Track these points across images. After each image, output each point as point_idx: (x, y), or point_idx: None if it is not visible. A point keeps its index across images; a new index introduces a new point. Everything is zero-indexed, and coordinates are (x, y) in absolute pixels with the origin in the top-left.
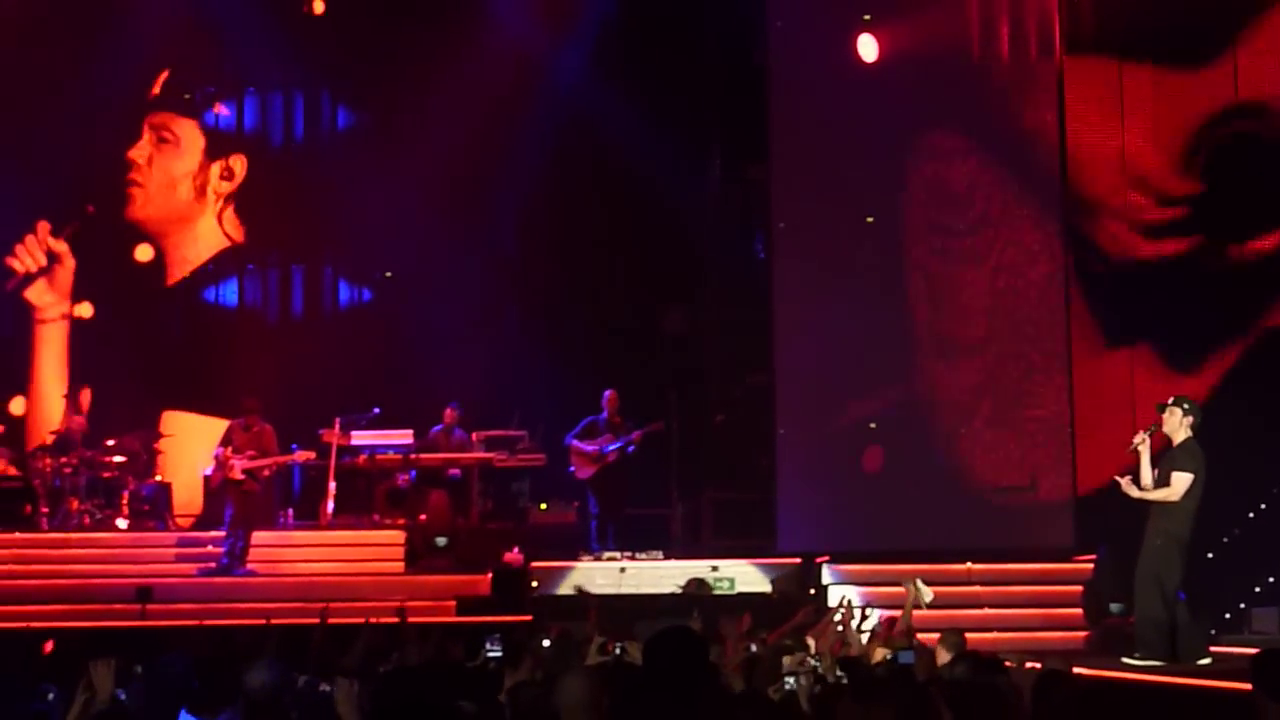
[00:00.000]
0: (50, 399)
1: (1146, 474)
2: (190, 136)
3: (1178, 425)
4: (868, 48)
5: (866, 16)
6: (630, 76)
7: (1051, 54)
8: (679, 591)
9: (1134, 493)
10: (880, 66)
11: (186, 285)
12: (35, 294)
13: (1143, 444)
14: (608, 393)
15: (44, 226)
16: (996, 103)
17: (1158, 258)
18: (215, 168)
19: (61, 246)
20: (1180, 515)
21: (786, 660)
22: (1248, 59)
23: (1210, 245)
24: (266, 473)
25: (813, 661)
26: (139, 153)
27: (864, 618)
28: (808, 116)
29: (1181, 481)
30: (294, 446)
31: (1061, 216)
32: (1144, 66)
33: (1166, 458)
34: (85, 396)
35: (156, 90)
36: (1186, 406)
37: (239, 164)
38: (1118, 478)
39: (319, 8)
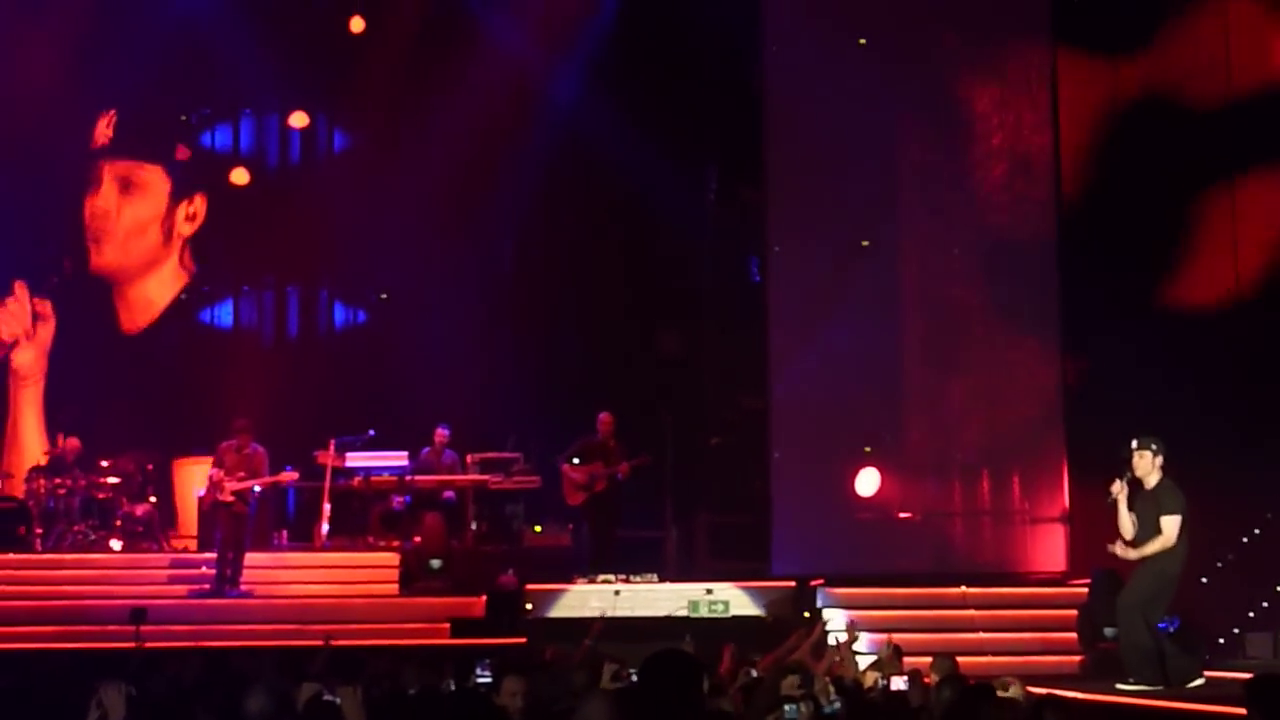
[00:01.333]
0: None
1: (1127, 523)
2: (155, 181)
3: (1150, 468)
4: (863, 74)
5: (861, 41)
6: (626, 99)
7: (1046, 71)
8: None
9: (1132, 555)
10: (875, 90)
11: (181, 308)
12: (20, 356)
13: (1121, 493)
14: (602, 415)
15: (22, 287)
16: (992, 123)
17: None
18: (180, 210)
19: (44, 306)
20: (1174, 555)
21: (783, 684)
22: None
23: None
24: (257, 493)
25: (803, 688)
26: (103, 202)
27: (853, 640)
28: (803, 140)
29: (1172, 525)
30: (287, 468)
31: (1057, 235)
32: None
33: (1147, 502)
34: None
35: (105, 137)
36: (1154, 447)
37: (201, 204)
38: (1110, 546)
39: (357, 26)
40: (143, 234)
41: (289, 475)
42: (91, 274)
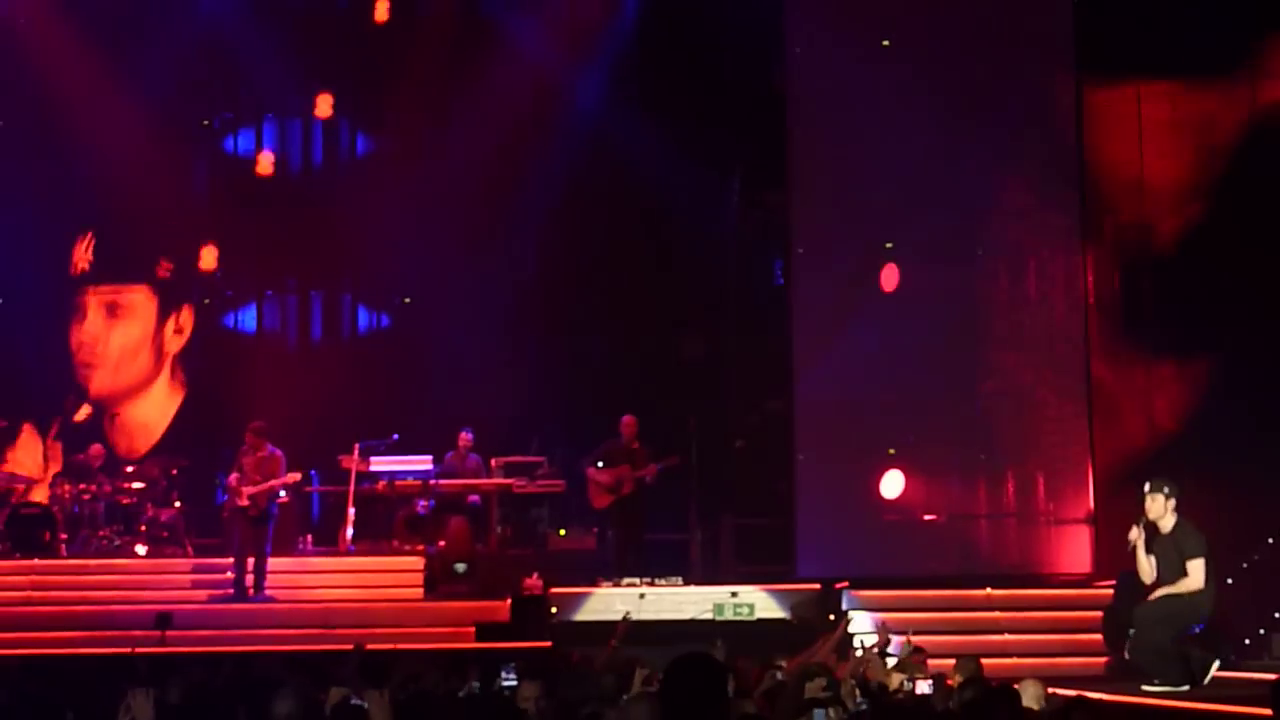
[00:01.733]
0: None
1: (1145, 567)
2: (141, 302)
3: (1163, 510)
4: (886, 74)
5: (885, 42)
6: (649, 101)
7: (1070, 74)
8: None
9: (1161, 593)
10: (899, 92)
11: (209, 311)
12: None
13: (1139, 539)
14: (625, 418)
15: (30, 429)
16: (1015, 126)
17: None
18: (168, 326)
19: (54, 449)
20: (1205, 594)
21: (808, 686)
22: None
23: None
24: (284, 498)
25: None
26: (91, 329)
27: (887, 642)
28: (827, 142)
29: (1198, 569)
30: (313, 474)
31: (1081, 237)
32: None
33: (1166, 544)
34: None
35: (85, 261)
36: (1167, 490)
37: (188, 316)
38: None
39: (381, 14)
40: (134, 357)
41: (292, 477)
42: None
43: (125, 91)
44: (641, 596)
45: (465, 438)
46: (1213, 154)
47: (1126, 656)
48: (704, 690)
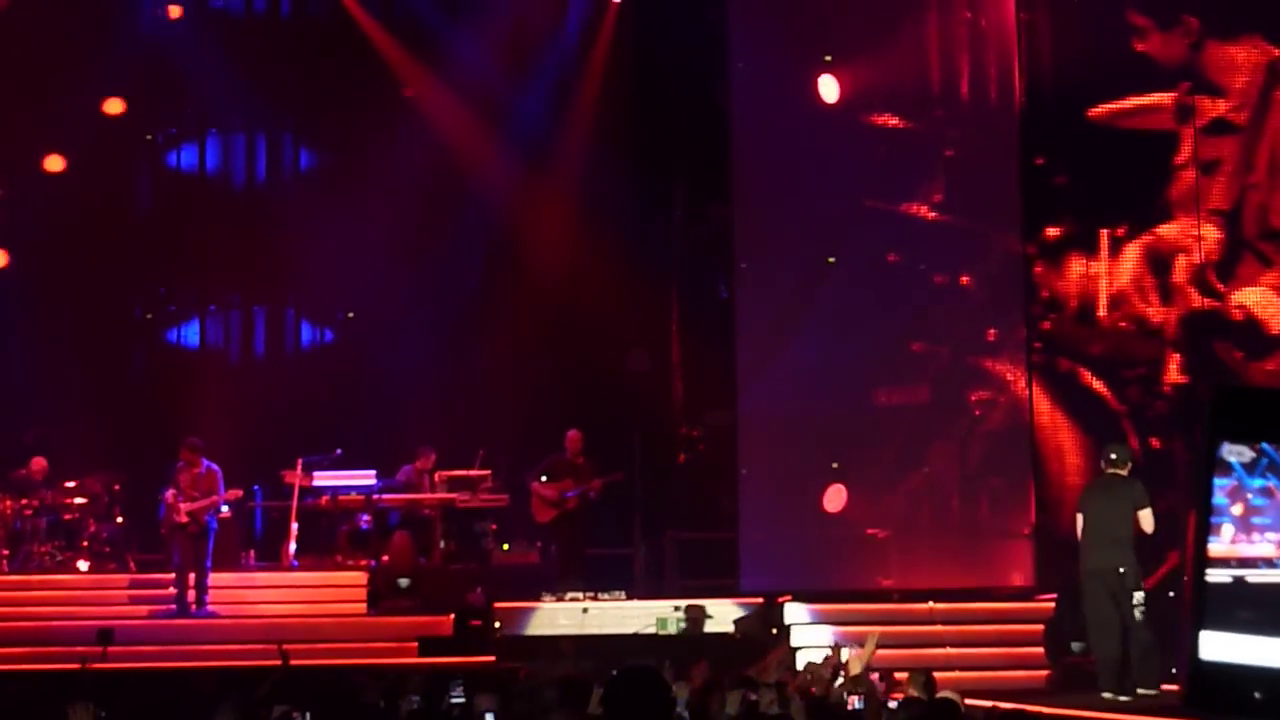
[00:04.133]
0: None
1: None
2: None
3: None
4: (829, 88)
5: (828, 57)
6: (592, 115)
7: (1015, 83)
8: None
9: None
10: (841, 107)
11: (149, 325)
12: None
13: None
14: (570, 433)
15: None
16: (959, 139)
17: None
18: None
19: None
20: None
21: (729, 696)
22: None
23: None
24: (226, 513)
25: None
26: None
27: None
28: (770, 156)
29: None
30: (255, 489)
31: (1022, 255)
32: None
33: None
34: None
35: None
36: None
37: None
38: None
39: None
40: None
41: (232, 494)
42: None
43: (68, 105)
44: (585, 611)
45: (432, 456)
46: None
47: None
48: (647, 704)
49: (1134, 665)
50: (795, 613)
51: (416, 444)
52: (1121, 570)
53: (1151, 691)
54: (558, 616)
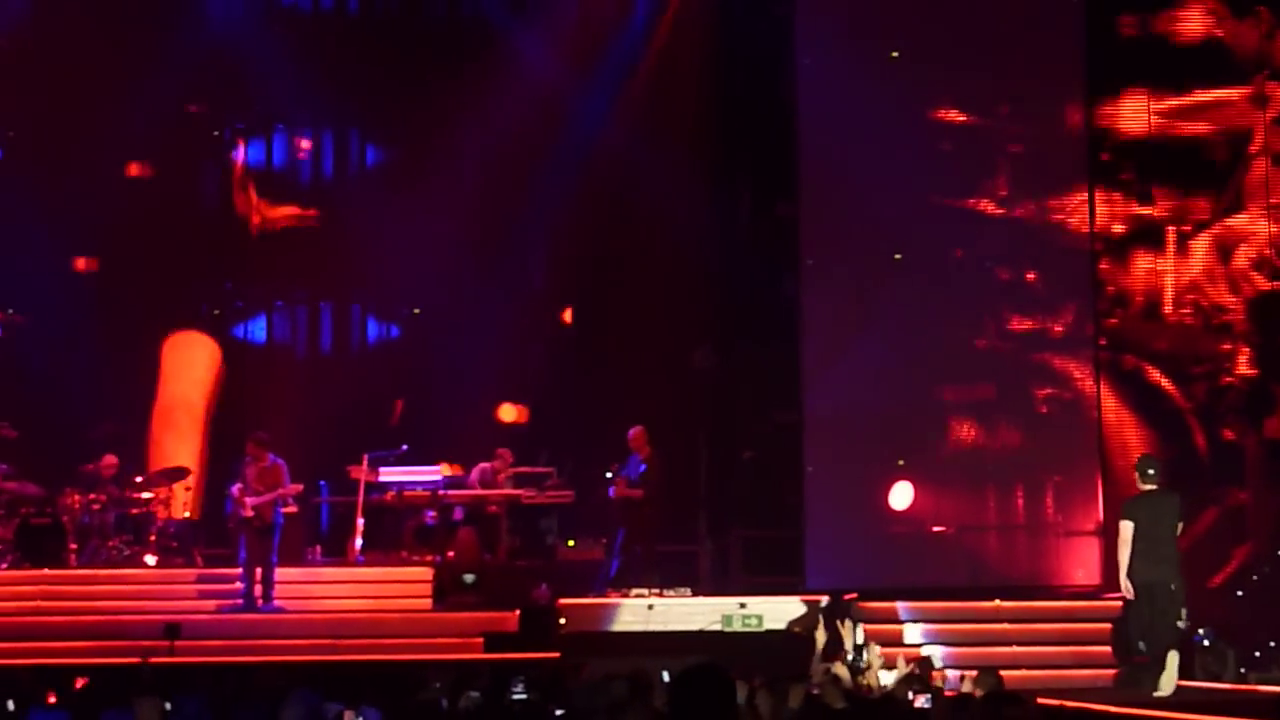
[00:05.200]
0: None
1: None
2: None
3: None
4: (896, 85)
5: (894, 54)
6: (659, 113)
7: (1080, 86)
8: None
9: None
10: (909, 103)
11: (217, 321)
12: None
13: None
14: (632, 430)
15: None
16: (1025, 136)
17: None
18: None
19: None
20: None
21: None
22: None
23: None
24: (291, 508)
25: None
26: None
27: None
28: (836, 153)
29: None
30: (322, 484)
31: (1088, 250)
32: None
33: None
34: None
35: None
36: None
37: None
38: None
39: None
40: None
41: (294, 487)
42: None
43: (136, 102)
44: (650, 608)
45: (508, 455)
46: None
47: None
48: (711, 702)
49: (1159, 670)
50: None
51: (481, 440)
52: (1173, 586)
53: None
54: (623, 613)
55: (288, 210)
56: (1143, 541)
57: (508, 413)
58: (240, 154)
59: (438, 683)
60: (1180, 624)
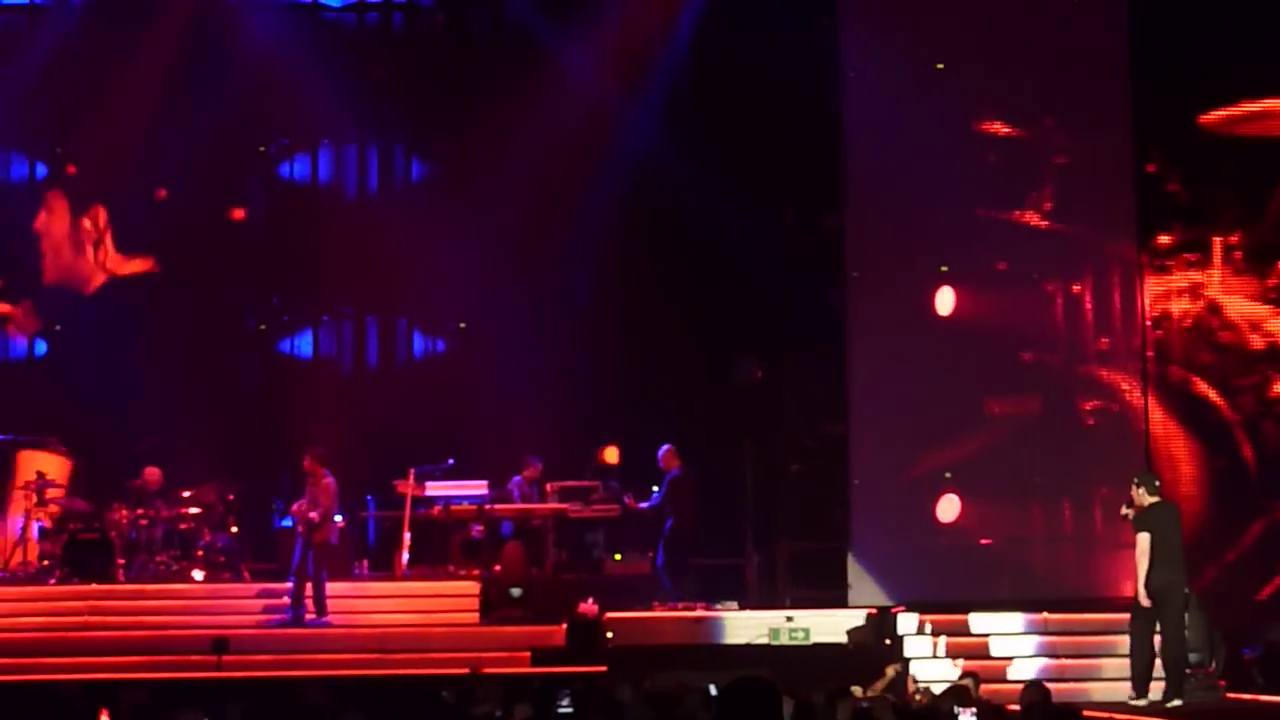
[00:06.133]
0: None
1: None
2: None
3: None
4: (942, 97)
5: (940, 66)
6: (703, 125)
7: (1126, 94)
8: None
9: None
10: (955, 115)
11: (262, 336)
12: None
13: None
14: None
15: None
16: (1071, 147)
17: None
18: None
19: None
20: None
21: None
22: None
23: None
24: (340, 523)
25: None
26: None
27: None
28: (881, 165)
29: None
30: (368, 499)
31: (1137, 260)
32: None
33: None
34: (153, 473)
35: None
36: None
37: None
38: None
39: None
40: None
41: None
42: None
43: (182, 117)
44: (698, 621)
45: (538, 466)
46: None
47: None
48: (758, 715)
49: (1172, 674)
50: (908, 623)
51: (527, 454)
52: (1186, 591)
53: (1180, 702)
54: (669, 626)
55: (333, 224)
56: (1160, 550)
57: (611, 455)
58: (285, 169)
59: (444, 691)
60: (1186, 630)
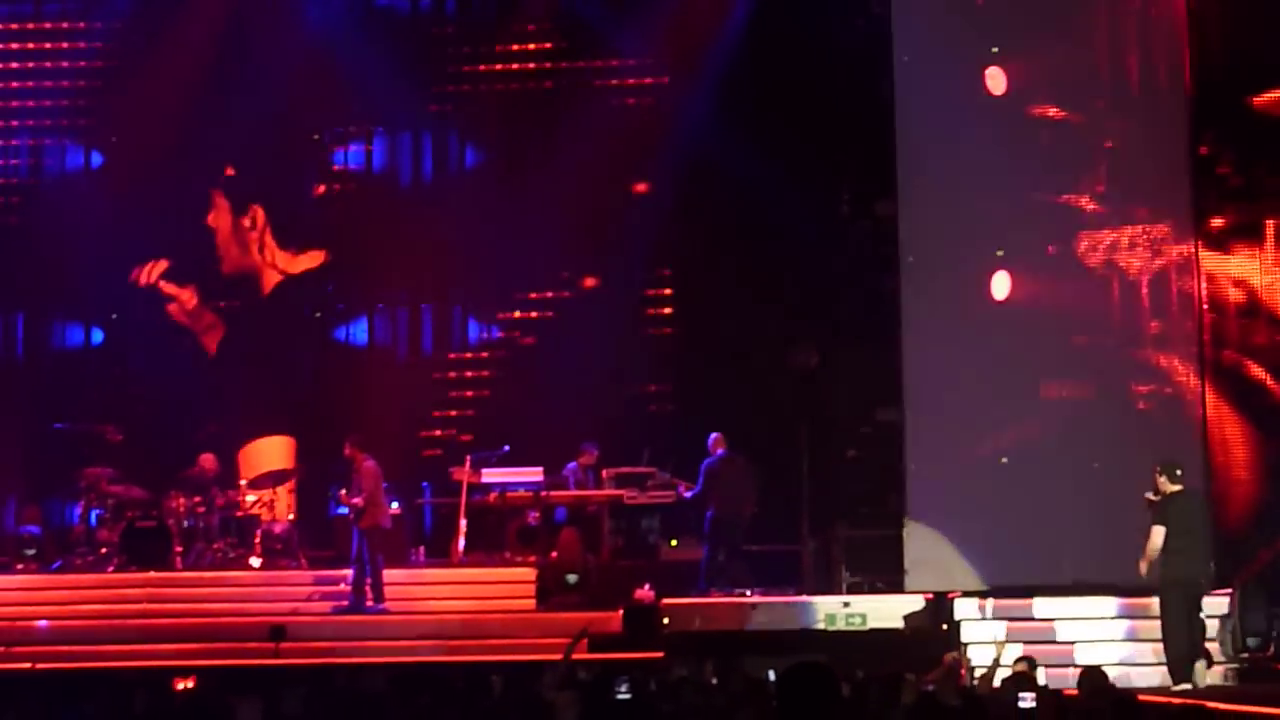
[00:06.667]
0: None
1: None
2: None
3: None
4: (996, 81)
5: (994, 49)
6: (757, 113)
7: (1184, 73)
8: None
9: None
10: (1008, 99)
11: (318, 323)
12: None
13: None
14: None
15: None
16: (1128, 131)
17: None
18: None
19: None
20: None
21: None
22: None
23: None
24: (395, 510)
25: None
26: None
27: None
28: (936, 150)
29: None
30: (424, 485)
31: (1193, 243)
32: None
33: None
34: (208, 460)
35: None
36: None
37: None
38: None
39: None
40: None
41: (357, 501)
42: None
43: (235, 106)
44: (754, 608)
45: (594, 452)
46: None
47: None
48: (817, 700)
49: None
50: (964, 609)
51: (583, 440)
52: (1202, 580)
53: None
54: (725, 613)
55: (387, 212)
56: (1178, 540)
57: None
58: (339, 156)
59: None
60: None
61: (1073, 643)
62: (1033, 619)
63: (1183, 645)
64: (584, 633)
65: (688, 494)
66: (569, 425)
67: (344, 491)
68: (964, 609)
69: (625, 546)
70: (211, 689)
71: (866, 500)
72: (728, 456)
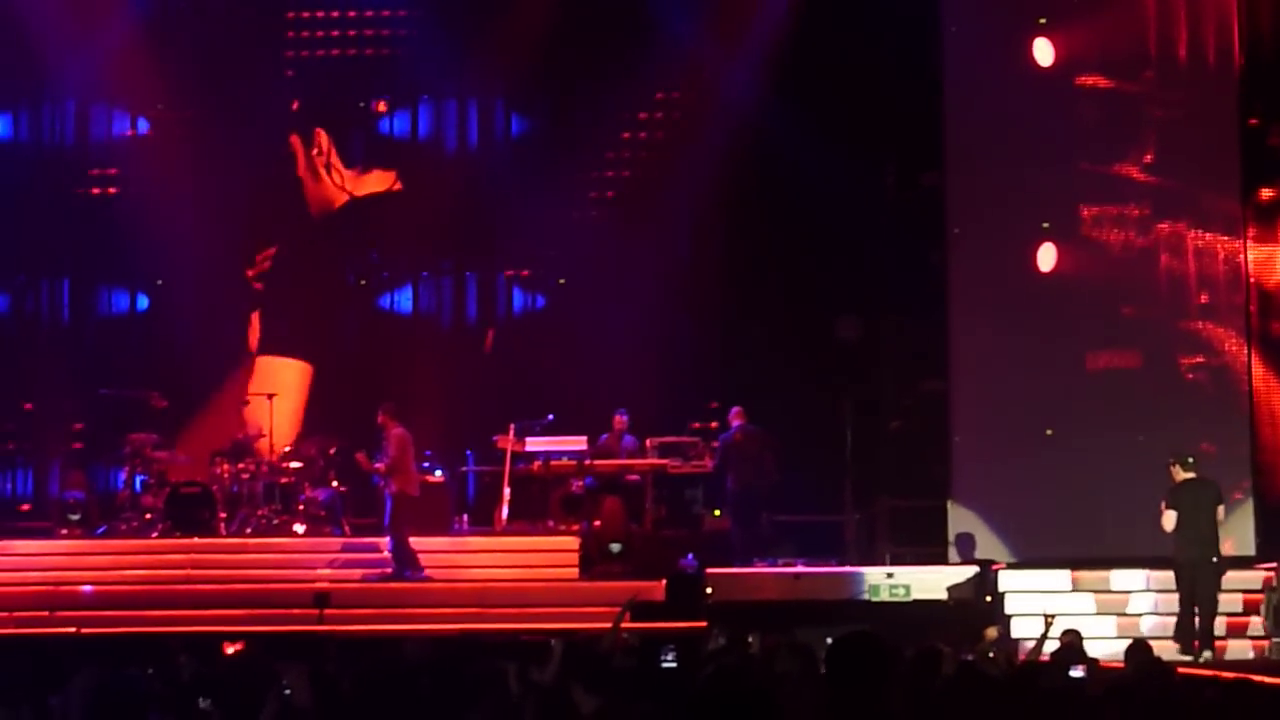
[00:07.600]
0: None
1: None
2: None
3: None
4: (1043, 52)
5: (1042, 20)
6: (803, 84)
7: (1232, 47)
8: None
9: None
10: (1055, 70)
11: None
12: None
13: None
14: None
15: None
16: (1177, 104)
17: None
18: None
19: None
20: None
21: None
22: None
23: None
24: (439, 478)
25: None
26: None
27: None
28: (983, 122)
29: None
30: (468, 453)
31: (1241, 215)
32: None
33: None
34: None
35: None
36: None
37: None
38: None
39: None
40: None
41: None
42: None
43: (281, 76)
44: (797, 578)
45: (621, 420)
46: None
47: None
48: (868, 669)
49: (1203, 631)
50: (1009, 580)
51: (616, 410)
52: (1215, 560)
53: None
54: (767, 582)
55: (432, 180)
56: (1187, 526)
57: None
58: (385, 124)
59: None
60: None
61: (1117, 615)
62: (1078, 591)
63: (1186, 621)
64: (631, 603)
65: (712, 466)
66: (613, 394)
67: (362, 455)
68: (1008, 580)
69: (668, 516)
70: (257, 655)
71: (910, 471)
72: (744, 428)
